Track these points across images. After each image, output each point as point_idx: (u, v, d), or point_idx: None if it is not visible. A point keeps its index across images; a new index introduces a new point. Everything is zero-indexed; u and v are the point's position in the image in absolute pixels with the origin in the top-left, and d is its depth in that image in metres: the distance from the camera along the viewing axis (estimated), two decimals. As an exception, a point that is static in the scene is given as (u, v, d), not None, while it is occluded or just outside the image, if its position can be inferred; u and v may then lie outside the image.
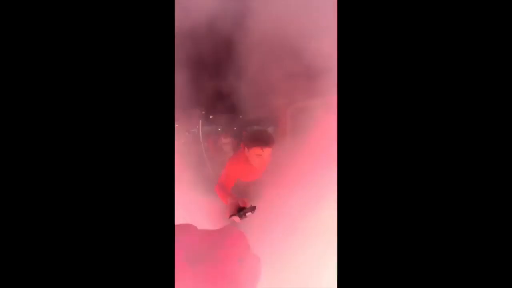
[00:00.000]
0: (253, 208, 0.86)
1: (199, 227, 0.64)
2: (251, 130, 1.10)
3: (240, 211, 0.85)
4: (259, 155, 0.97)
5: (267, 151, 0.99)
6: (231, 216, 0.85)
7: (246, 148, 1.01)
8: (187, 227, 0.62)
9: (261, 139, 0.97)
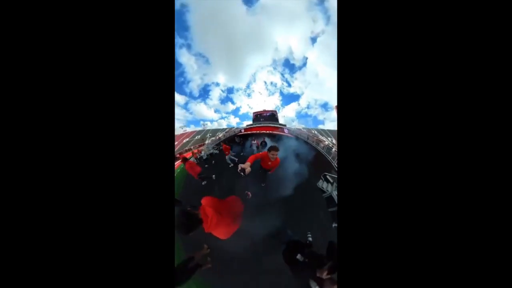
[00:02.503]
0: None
1: None
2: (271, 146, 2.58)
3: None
4: (273, 155, 2.51)
5: (275, 154, 2.55)
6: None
7: (268, 151, 2.57)
8: None
9: (274, 148, 2.54)
